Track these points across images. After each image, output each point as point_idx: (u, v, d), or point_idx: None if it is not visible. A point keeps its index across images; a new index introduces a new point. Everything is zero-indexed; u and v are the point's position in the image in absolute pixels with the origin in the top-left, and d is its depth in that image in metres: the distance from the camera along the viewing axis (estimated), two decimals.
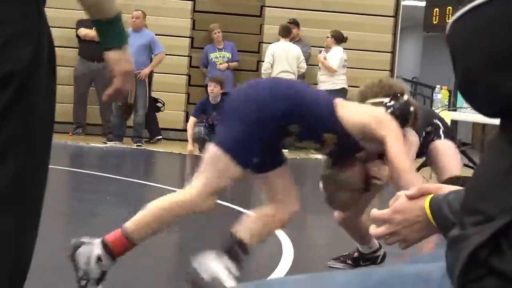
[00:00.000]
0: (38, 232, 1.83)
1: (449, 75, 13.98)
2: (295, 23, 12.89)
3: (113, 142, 11.61)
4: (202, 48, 13.03)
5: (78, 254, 3.89)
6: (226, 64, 12.74)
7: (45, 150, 1.80)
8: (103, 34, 2.11)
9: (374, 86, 4.13)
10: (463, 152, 7.79)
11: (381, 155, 3.95)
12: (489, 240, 1.09)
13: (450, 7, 10.04)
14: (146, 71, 11.64)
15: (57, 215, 5.70)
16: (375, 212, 1.84)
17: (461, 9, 1.12)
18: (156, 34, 11.99)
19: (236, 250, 4.05)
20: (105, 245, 3.86)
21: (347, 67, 12.76)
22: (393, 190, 4.03)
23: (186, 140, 11.48)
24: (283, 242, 5.34)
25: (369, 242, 4.84)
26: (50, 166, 1.83)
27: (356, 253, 4.91)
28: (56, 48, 1.84)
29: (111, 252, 3.85)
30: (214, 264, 3.85)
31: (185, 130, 11.71)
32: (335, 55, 12.36)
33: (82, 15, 11.84)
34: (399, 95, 4.05)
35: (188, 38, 13.23)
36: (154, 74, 12.07)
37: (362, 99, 4.14)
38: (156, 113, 12.11)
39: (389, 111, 3.94)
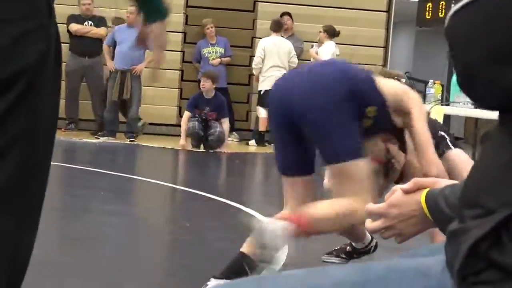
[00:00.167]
0: None
1: (441, 70, 13.98)
2: (289, 14, 12.90)
3: (106, 138, 11.59)
4: (195, 43, 13.02)
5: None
6: (219, 60, 12.73)
7: (47, 148, 1.80)
8: (146, 8, 2.14)
9: (374, 72, 4.14)
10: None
11: (400, 140, 3.94)
12: (490, 233, 1.09)
13: (443, 2, 10.05)
14: (141, 66, 11.62)
15: (50, 210, 5.69)
16: (370, 206, 1.84)
17: (460, 2, 1.12)
18: None
19: None
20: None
21: None
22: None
23: (179, 135, 11.47)
24: None
25: (363, 239, 4.84)
26: None
27: (349, 247, 4.92)
28: None
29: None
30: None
31: (178, 125, 11.71)
32: (327, 50, 12.36)
33: (73, 10, 11.81)
34: (397, 78, 4.09)
35: (181, 33, 13.21)
36: (146, 69, 12.05)
37: None
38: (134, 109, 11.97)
39: None
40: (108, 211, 6.08)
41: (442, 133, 4.68)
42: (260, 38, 12.70)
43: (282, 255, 4.69)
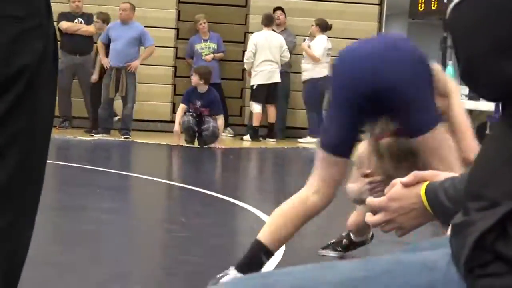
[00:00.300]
0: None
1: (434, 62, 13.97)
2: (281, 9, 12.90)
3: (100, 135, 11.58)
4: (188, 39, 13.00)
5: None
6: (212, 55, 12.72)
7: (44, 148, 1.80)
8: None
9: None
10: None
11: None
12: (495, 226, 1.09)
13: None
14: (136, 63, 11.61)
15: (46, 209, 5.67)
16: (371, 200, 1.84)
17: None
18: None
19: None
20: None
21: (333, 56, 12.75)
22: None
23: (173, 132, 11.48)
24: None
25: (368, 234, 4.83)
26: None
27: (345, 240, 4.92)
28: None
29: None
30: None
31: (172, 122, 11.70)
32: (319, 44, 12.37)
33: (64, 7, 11.82)
34: None
35: (173, 30, 13.20)
36: (139, 65, 12.03)
37: None
38: (129, 106, 11.92)
39: None
40: (104, 208, 6.08)
41: None
42: (253, 33, 12.70)
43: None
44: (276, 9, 12.86)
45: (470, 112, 9.64)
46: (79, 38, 11.95)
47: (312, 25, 12.47)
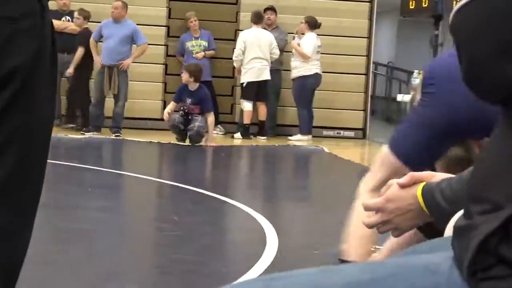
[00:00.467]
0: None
1: (424, 59, 14.02)
2: (272, 9, 12.90)
3: (91, 133, 11.57)
4: (179, 37, 12.99)
5: None
6: (203, 53, 12.72)
7: (43, 148, 1.80)
8: None
9: None
10: None
11: None
12: (498, 229, 1.10)
13: None
14: (128, 61, 11.60)
15: (39, 208, 5.68)
16: (367, 202, 1.85)
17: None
18: None
19: None
20: None
21: (324, 53, 12.78)
22: None
23: (165, 129, 11.47)
24: (266, 230, 5.36)
25: None
26: None
27: None
28: None
29: None
30: None
31: (163, 119, 11.69)
32: (309, 41, 12.38)
33: (51, 5, 11.84)
34: None
35: (164, 27, 13.18)
36: (133, 63, 12.02)
37: None
38: (120, 104, 11.90)
39: None
40: (96, 207, 6.08)
41: None
42: (244, 30, 12.69)
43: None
44: (267, 9, 12.84)
45: None
46: (67, 36, 11.91)
47: (302, 23, 12.48)
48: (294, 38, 12.54)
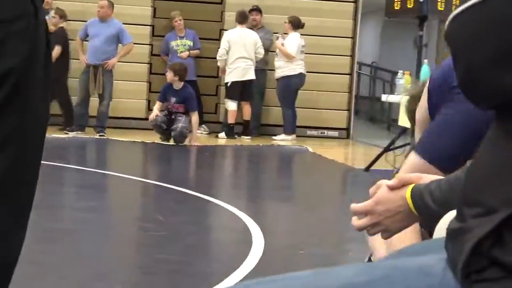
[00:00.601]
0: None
1: (407, 60, 14.07)
2: (257, 9, 12.90)
3: (75, 132, 11.53)
4: (163, 36, 12.98)
5: None
6: (187, 53, 12.71)
7: (37, 149, 1.80)
8: None
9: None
10: None
11: None
12: (492, 232, 1.11)
13: None
14: (113, 61, 11.58)
15: None
16: (355, 205, 1.86)
17: (460, 7, 1.14)
18: None
19: None
20: None
21: (308, 53, 12.80)
22: None
23: (149, 129, 11.46)
24: (252, 230, 5.36)
25: None
26: None
27: None
28: None
29: None
30: None
31: (147, 119, 11.68)
32: (293, 41, 12.40)
33: None
34: None
35: (149, 26, 13.16)
36: (118, 63, 11.99)
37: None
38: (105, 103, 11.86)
39: None
40: (81, 207, 6.06)
41: None
42: (228, 30, 12.69)
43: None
44: (252, 10, 12.84)
45: None
46: (50, 35, 11.85)
47: (285, 22, 12.51)
48: (277, 38, 12.55)
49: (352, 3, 13.61)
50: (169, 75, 11.14)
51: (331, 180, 9.06)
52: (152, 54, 13.22)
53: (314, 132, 13.43)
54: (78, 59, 11.88)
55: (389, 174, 4.59)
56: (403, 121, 8.19)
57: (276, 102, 12.82)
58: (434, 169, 3.20)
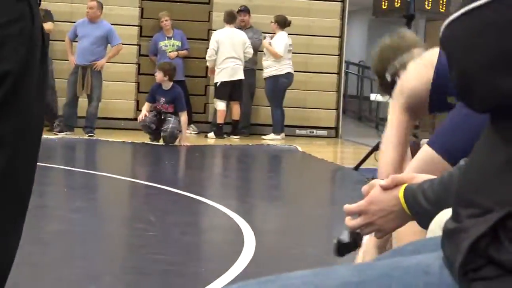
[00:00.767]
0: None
1: None
2: (245, 10, 12.92)
3: (64, 133, 11.52)
4: (151, 37, 12.98)
5: None
6: (176, 53, 12.71)
7: (33, 152, 1.81)
8: None
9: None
10: (414, 135, 7.91)
11: None
12: (488, 232, 1.15)
13: None
14: (102, 62, 11.57)
15: None
16: (348, 206, 1.88)
17: (455, 13, 1.17)
18: None
19: None
20: None
21: (296, 53, 12.83)
22: None
23: (138, 129, 11.46)
24: (243, 229, 5.39)
25: None
26: None
27: None
28: None
29: None
30: None
31: (136, 119, 11.69)
32: (280, 41, 12.42)
33: None
34: None
35: (136, 27, 13.16)
36: (107, 64, 11.98)
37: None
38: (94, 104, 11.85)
39: None
40: (72, 208, 6.07)
41: None
42: (216, 30, 12.71)
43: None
44: (240, 10, 12.85)
45: None
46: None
47: (271, 22, 12.53)
48: (264, 37, 12.57)
49: (340, 3, 13.64)
50: (159, 76, 11.14)
51: (321, 179, 9.09)
52: (140, 55, 13.22)
53: (303, 132, 13.47)
54: (67, 60, 11.87)
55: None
56: None
57: (266, 101, 12.85)
58: (444, 162, 3.22)
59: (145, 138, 11.21)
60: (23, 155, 1.77)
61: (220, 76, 12.28)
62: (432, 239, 1.52)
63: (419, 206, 1.76)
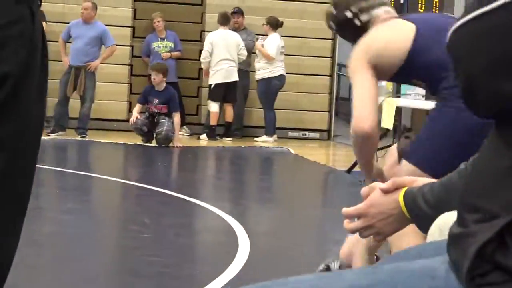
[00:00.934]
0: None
1: None
2: (239, 12, 12.91)
3: (56, 134, 11.49)
4: (144, 38, 12.96)
5: None
6: (169, 54, 12.70)
7: (33, 154, 1.81)
8: None
9: None
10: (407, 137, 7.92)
11: None
12: (494, 237, 1.15)
13: None
14: (96, 63, 11.56)
15: None
16: (347, 209, 1.89)
17: (462, 19, 1.18)
18: None
19: None
20: None
21: (288, 55, 12.83)
22: None
23: (131, 131, 11.45)
24: (237, 231, 5.39)
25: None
26: None
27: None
28: None
29: None
30: None
31: (128, 121, 11.67)
32: (272, 42, 12.42)
33: None
34: None
35: (129, 28, 13.14)
36: (101, 65, 11.96)
37: None
38: (87, 105, 11.81)
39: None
40: (65, 209, 6.06)
41: None
42: (209, 31, 12.70)
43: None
44: (234, 12, 12.84)
45: (427, 112, 9.79)
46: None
47: (263, 24, 12.52)
48: (257, 39, 12.57)
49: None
50: (158, 78, 11.10)
51: (314, 182, 9.10)
52: (133, 56, 13.21)
53: (295, 134, 13.47)
54: (59, 61, 11.85)
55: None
56: (385, 122, 8.25)
57: (259, 103, 12.85)
58: (426, 174, 3.16)
59: (137, 140, 11.20)
60: (22, 157, 1.77)
61: (215, 78, 12.28)
62: (433, 243, 1.53)
63: (419, 210, 1.76)
